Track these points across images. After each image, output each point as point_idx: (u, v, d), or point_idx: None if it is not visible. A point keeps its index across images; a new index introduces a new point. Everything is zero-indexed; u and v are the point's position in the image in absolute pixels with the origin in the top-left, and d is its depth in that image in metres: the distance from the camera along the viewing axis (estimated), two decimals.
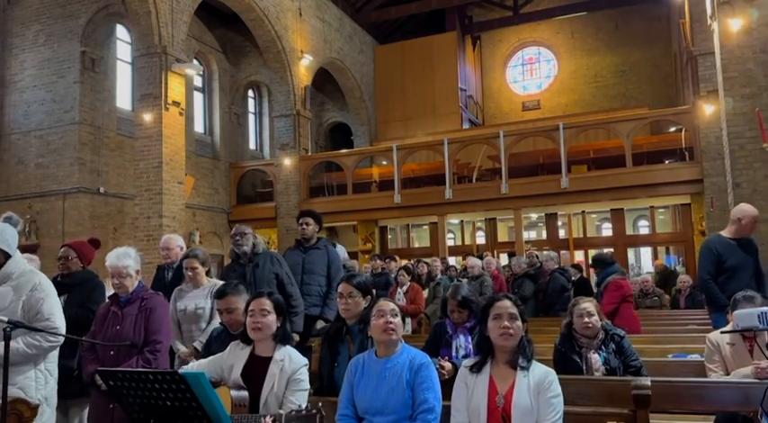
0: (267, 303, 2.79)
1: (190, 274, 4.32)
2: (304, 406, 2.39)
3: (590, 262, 8.08)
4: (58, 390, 3.60)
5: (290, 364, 2.70)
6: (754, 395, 2.97)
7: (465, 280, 7.86)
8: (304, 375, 2.71)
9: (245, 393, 2.67)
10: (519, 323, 2.61)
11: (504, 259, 12.53)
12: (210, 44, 16.18)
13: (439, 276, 8.41)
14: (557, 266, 8.48)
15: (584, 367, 3.55)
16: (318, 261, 5.29)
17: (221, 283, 4.27)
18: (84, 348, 3.51)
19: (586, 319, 3.55)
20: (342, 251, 6.36)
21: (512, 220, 14.18)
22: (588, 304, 3.61)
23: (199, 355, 4.01)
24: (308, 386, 2.76)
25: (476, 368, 2.63)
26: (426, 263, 9.14)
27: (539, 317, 7.72)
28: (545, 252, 9.53)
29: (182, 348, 4.22)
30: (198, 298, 4.30)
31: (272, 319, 2.77)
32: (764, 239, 7.18)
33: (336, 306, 4.63)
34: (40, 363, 3.12)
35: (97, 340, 3.40)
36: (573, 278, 10.59)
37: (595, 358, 3.54)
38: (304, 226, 5.39)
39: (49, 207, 12.06)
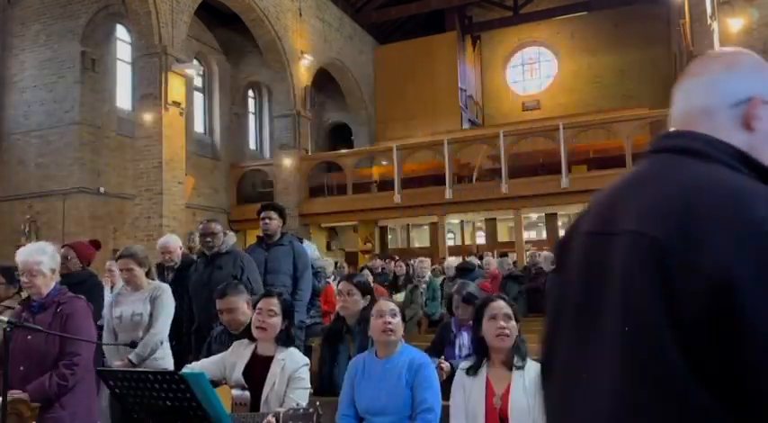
0: (275, 304, 2.78)
1: (125, 276, 3.85)
2: (305, 405, 2.39)
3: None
4: None
5: (291, 362, 2.71)
6: None
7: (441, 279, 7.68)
8: (305, 374, 2.72)
9: (245, 393, 2.68)
10: (514, 323, 2.61)
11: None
12: (210, 44, 16.19)
13: (425, 278, 7.82)
14: (553, 267, 8.46)
15: None
16: (283, 259, 4.76)
17: (164, 285, 3.96)
18: None
19: None
20: (311, 249, 5.86)
21: (512, 220, 14.19)
22: None
23: (134, 367, 3.60)
24: (309, 385, 2.76)
25: (472, 371, 2.63)
26: (408, 262, 8.36)
27: (527, 317, 7.72)
28: (544, 252, 9.54)
29: (115, 362, 3.71)
30: (136, 303, 3.78)
31: (277, 321, 2.76)
32: None
33: (304, 309, 4.51)
34: None
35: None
36: None
37: None
38: (266, 221, 4.87)
39: (49, 207, 12.06)
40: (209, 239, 4.41)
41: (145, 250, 4.00)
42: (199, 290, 4.33)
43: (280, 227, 4.91)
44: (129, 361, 3.63)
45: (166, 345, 3.88)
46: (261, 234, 4.96)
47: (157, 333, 3.72)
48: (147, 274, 3.90)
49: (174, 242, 5.12)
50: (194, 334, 4.32)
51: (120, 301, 3.86)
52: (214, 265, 4.34)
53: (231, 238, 4.51)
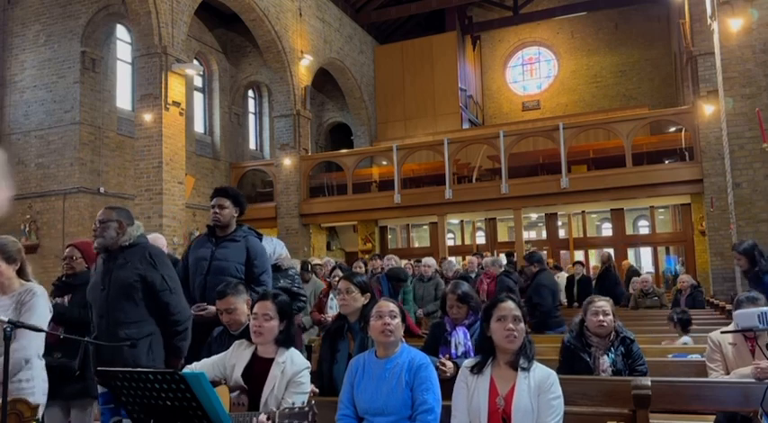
0: (270, 307, 2.76)
1: None
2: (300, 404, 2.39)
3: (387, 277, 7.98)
4: (60, 390, 3.58)
5: (292, 366, 2.69)
6: (754, 395, 2.98)
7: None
8: (305, 378, 2.70)
9: (244, 394, 2.68)
10: (522, 325, 2.60)
11: (502, 259, 12.48)
12: (210, 44, 16.20)
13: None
14: (501, 269, 8.55)
15: (592, 367, 3.51)
16: (232, 257, 3.90)
17: (37, 287, 3.09)
18: None
19: (601, 318, 3.49)
20: (281, 247, 4.93)
21: (512, 220, 14.19)
22: (604, 303, 3.56)
23: None
24: (309, 389, 2.75)
25: (476, 369, 2.62)
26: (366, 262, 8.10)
27: None
28: (486, 258, 9.56)
29: None
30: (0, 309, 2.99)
31: (273, 325, 2.75)
32: (764, 239, 7.18)
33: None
34: None
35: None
36: (575, 276, 10.59)
37: (604, 359, 3.50)
38: (217, 209, 3.99)
39: (49, 207, 12.06)
40: (95, 227, 3.44)
41: (17, 242, 3.16)
42: (97, 293, 3.40)
43: (234, 217, 4.04)
44: None
45: (37, 363, 3.01)
46: (210, 223, 4.08)
47: (21, 348, 2.83)
48: (20, 274, 3.09)
49: (159, 241, 4.70)
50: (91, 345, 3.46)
51: None
52: (115, 263, 3.38)
53: (136, 230, 3.50)
